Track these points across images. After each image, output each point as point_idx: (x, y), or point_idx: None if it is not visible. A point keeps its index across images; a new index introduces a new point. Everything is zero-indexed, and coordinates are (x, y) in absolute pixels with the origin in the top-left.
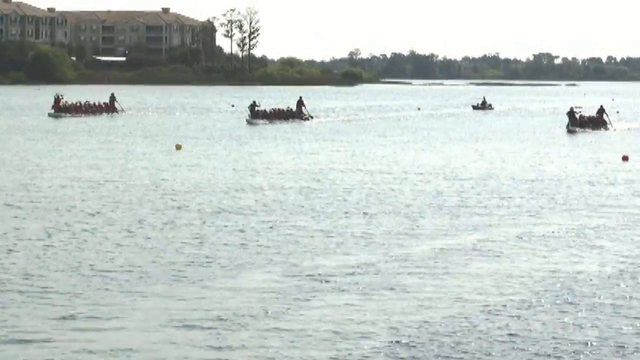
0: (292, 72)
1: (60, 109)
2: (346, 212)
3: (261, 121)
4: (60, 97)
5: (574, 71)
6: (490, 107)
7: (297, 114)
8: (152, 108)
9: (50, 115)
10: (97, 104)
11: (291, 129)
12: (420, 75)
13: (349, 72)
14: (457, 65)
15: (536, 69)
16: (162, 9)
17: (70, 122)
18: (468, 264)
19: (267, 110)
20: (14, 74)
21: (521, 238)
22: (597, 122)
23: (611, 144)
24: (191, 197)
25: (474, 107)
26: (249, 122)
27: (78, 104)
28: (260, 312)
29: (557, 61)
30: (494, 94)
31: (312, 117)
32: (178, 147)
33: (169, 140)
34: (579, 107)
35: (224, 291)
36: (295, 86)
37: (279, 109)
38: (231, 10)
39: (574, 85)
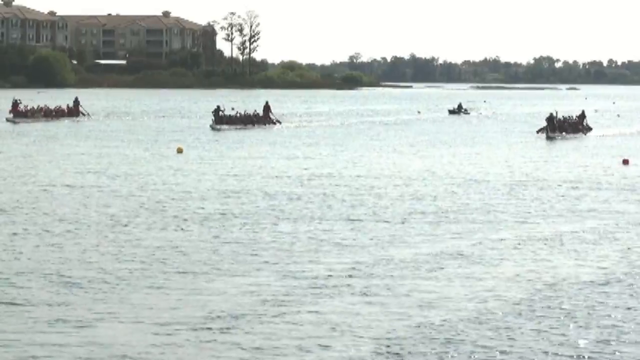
0: (292, 76)
1: (18, 114)
2: (333, 218)
3: (226, 127)
4: (19, 101)
5: (575, 75)
6: (466, 111)
7: (263, 119)
8: (122, 112)
9: (7, 120)
10: (59, 108)
11: (258, 134)
12: (420, 79)
13: (350, 75)
14: (458, 69)
15: (537, 73)
16: (163, 12)
17: (28, 127)
18: (457, 268)
19: (232, 115)
20: (14, 78)
21: (506, 243)
22: (577, 126)
23: (595, 148)
24: (182, 202)
25: (450, 112)
26: (212, 128)
27: (38, 109)
28: (251, 315)
29: (558, 64)
30: (494, 97)
31: (279, 122)
32: (179, 151)
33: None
34: (568, 116)
35: (211, 295)
36: (296, 90)
37: (244, 114)
38: (231, 13)
39: (574, 89)
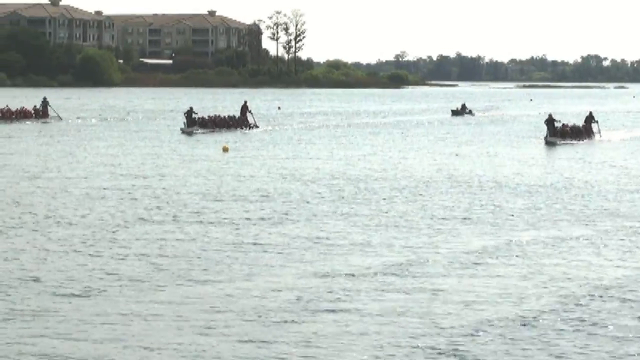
0: (337, 75)
1: None
2: (349, 218)
3: (198, 130)
4: None
5: (623, 73)
6: (470, 112)
7: (241, 121)
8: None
9: None
10: (24, 109)
11: (235, 137)
12: (466, 78)
13: (395, 74)
14: (504, 67)
15: (584, 71)
16: (209, 11)
17: None
18: (488, 268)
19: (206, 117)
20: (61, 77)
21: (536, 245)
22: (581, 131)
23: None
24: (199, 203)
25: (453, 112)
26: (183, 131)
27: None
28: (279, 315)
29: (606, 63)
30: (542, 97)
31: (257, 126)
32: (225, 150)
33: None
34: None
35: (238, 296)
36: (341, 89)
37: (219, 116)
38: (277, 12)
39: (622, 87)
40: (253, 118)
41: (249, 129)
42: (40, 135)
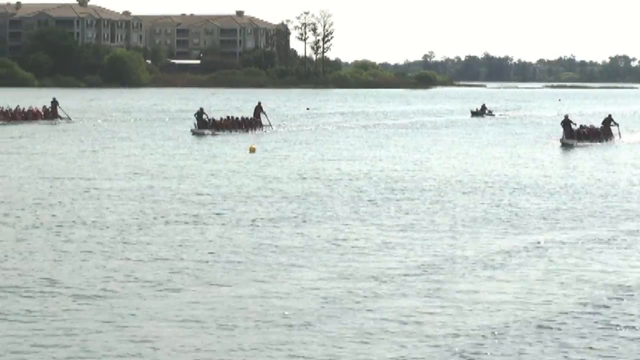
0: (365, 75)
1: None
2: (378, 219)
3: (209, 131)
4: None
5: None
6: (490, 113)
7: (254, 122)
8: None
9: None
10: (34, 109)
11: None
12: (494, 78)
13: (423, 75)
14: (532, 68)
15: (613, 72)
16: (237, 12)
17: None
18: (512, 270)
19: (217, 119)
20: (89, 78)
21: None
22: (598, 133)
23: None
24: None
25: (473, 113)
26: (194, 133)
27: (7, 110)
28: (305, 315)
29: (634, 63)
30: (570, 97)
31: (271, 126)
32: (252, 150)
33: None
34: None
35: (267, 297)
36: (369, 89)
37: (231, 118)
38: (305, 13)
39: None
40: (267, 119)
41: (262, 129)
42: (50, 137)
